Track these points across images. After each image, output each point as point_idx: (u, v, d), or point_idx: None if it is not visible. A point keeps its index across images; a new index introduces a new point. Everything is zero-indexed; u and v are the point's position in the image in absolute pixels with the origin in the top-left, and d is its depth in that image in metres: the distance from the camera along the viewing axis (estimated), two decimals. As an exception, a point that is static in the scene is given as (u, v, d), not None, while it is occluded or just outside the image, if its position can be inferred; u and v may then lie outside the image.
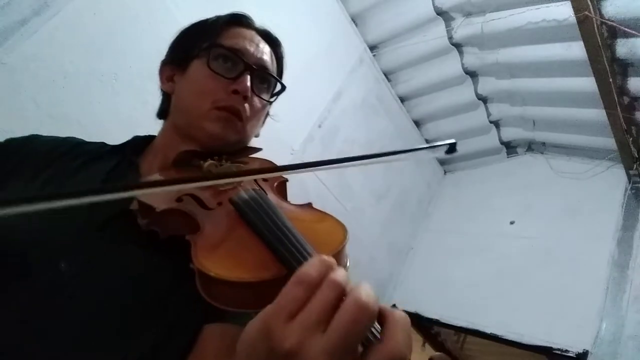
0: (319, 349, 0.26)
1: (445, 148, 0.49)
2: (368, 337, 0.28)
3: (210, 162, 0.58)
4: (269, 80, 0.68)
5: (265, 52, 0.67)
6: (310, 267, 0.30)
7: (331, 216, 0.50)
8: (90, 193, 0.32)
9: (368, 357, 0.27)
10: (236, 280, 0.36)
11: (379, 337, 0.28)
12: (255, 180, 0.56)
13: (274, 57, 0.70)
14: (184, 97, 0.64)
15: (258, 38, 0.68)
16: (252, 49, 0.65)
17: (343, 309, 0.27)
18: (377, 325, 0.29)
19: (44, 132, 0.66)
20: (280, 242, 0.39)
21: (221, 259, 0.39)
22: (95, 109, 1.22)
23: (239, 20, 0.68)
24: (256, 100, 0.65)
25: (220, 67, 0.62)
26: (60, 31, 1.15)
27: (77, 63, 1.18)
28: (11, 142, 0.63)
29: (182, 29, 0.71)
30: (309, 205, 0.55)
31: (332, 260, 0.31)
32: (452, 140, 0.48)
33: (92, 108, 1.21)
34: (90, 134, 0.68)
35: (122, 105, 1.27)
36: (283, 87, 0.71)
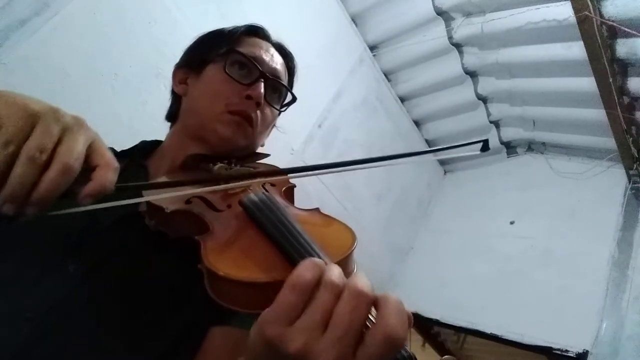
0: (325, 345, 0.27)
1: (479, 146, 0.49)
2: (367, 324, 0.29)
3: (220, 165, 0.58)
4: (280, 90, 0.70)
5: (278, 63, 0.69)
6: (303, 270, 0.30)
7: (339, 221, 0.50)
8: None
9: (364, 342, 0.28)
10: (244, 280, 0.36)
11: (375, 322, 0.29)
12: (263, 185, 0.56)
13: (285, 69, 0.72)
14: (198, 98, 0.65)
15: (273, 50, 0.70)
16: (267, 58, 0.67)
17: (342, 302, 0.28)
18: (374, 311, 0.30)
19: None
20: (288, 242, 0.39)
21: (230, 259, 0.40)
22: (95, 109, 1.21)
23: (256, 32, 0.71)
24: (267, 109, 0.67)
25: (235, 73, 0.63)
26: (60, 31, 1.15)
27: (77, 63, 1.18)
28: None
29: (199, 36, 0.73)
30: (316, 210, 0.55)
31: (321, 261, 0.32)
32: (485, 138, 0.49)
33: (92, 108, 1.21)
34: (90, 134, 0.68)
35: (122, 105, 1.27)
36: (294, 98, 0.73)
